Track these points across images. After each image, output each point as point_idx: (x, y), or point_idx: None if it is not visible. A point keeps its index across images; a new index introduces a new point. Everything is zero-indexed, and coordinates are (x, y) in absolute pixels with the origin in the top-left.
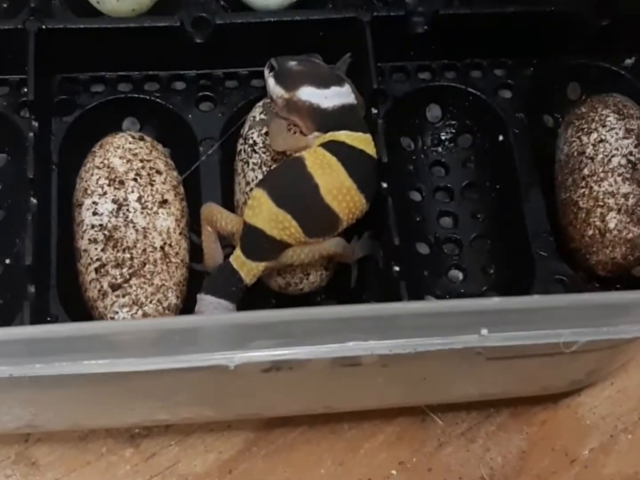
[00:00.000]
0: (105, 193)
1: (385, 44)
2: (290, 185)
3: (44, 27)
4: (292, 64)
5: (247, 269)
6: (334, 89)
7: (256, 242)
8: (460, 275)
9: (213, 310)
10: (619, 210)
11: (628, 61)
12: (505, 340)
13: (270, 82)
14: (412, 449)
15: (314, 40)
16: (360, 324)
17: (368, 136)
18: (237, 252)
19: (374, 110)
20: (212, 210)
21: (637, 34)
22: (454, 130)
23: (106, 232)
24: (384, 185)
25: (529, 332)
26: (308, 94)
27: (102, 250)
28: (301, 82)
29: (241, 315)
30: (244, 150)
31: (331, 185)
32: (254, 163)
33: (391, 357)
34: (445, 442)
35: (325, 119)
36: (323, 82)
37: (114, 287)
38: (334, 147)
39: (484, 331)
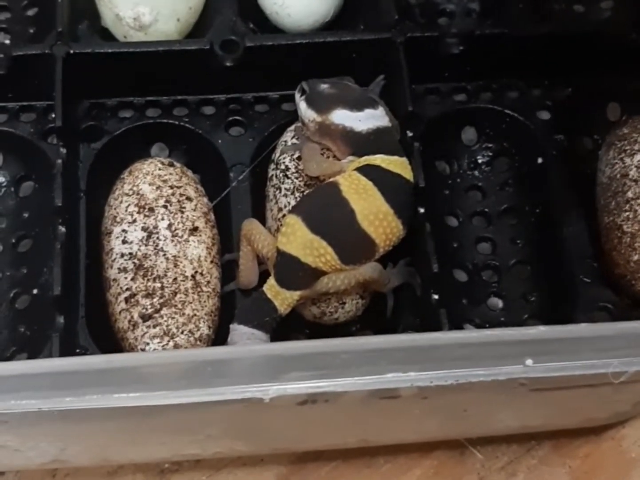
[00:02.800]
0: (134, 221)
1: (418, 66)
2: (326, 211)
3: (71, 51)
4: (324, 86)
5: (282, 298)
6: (368, 112)
7: (290, 271)
8: (500, 303)
9: (246, 340)
10: None
11: None
12: (550, 371)
13: (302, 105)
14: None
15: (346, 62)
16: (400, 354)
17: (404, 160)
18: (271, 281)
19: (410, 133)
20: (252, 229)
21: None
22: (490, 153)
23: (136, 261)
24: (421, 210)
25: (575, 362)
26: (341, 117)
27: (132, 279)
28: (334, 105)
29: (276, 346)
30: (276, 176)
31: (367, 211)
32: (286, 189)
33: (432, 389)
34: (485, 476)
35: (359, 143)
36: (356, 105)
37: (145, 318)
38: (369, 172)
39: (529, 361)
